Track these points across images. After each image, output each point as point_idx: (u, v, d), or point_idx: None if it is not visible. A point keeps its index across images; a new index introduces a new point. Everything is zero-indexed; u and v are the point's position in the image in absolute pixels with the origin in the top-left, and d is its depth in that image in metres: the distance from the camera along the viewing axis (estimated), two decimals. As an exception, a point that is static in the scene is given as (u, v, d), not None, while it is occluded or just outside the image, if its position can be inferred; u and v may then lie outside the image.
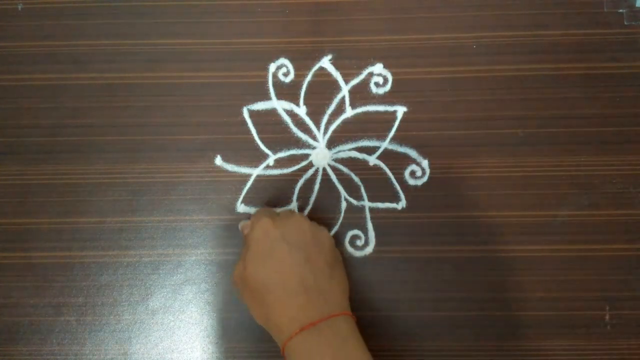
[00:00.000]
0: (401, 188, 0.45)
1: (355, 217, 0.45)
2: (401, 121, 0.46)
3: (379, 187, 0.45)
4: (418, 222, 0.45)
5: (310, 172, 0.46)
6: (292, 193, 0.45)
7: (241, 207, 0.45)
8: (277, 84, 0.47)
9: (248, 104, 0.46)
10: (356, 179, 0.46)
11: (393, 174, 0.45)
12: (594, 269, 0.44)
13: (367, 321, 0.43)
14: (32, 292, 0.45)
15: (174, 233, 0.45)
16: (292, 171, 0.46)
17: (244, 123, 0.46)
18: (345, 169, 0.46)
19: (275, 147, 0.46)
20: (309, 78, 0.47)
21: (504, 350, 0.43)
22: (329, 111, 0.46)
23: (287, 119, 0.46)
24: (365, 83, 0.46)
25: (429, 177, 0.45)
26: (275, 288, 0.37)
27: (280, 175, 0.46)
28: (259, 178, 0.46)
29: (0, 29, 0.48)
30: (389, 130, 0.46)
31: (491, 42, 0.47)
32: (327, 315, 0.36)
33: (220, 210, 0.45)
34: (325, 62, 0.47)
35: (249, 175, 0.46)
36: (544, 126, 0.45)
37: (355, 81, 0.46)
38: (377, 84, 0.46)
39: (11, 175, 0.46)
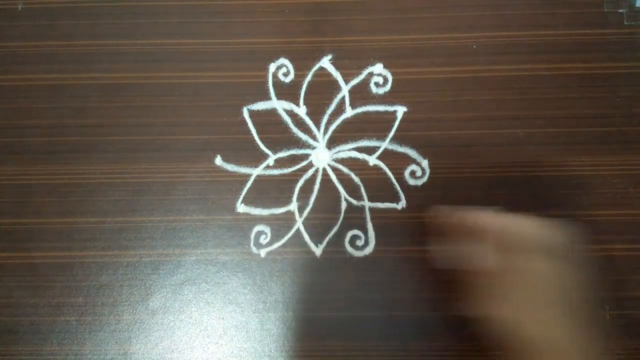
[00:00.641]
0: (401, 188, 0.45)
1: (355, 217, 0.45)
2: (401, 121, 0.46)
3: (378, 187, 0.45)
4: (418, 222, 0.45)
5: (310, 172, 0.46)
6: (292, 193, 0.45)
7: (241, 207, 0.45)
8: (277, 84, 0.47)
9: (248, 104, 0.46)
10: (356, 179, 0.46)
11: (393, 174, 0.45)
12: (594, 269, 0.44)
13: (367, 321, 0.43)
14: (32, 292, 0.45)
15: (174, 233, 0.45)
16: (292, 171, 0.46)
17: (244, 123, 0.46)
18: (345, 169, 0.46)
19: (275, 147, 0.46)
20: (309, 78, 0.47)
21: (504, 350, 0.43)
22: (329, 111, 0.46)
23: (287, 119, 0.46)
24: (365, 83, 0.46)
25: (429, 177, 0.45)
26: None
27: (280, 175, 0.46)
28: (259, 178, 0.46)
29: (0, 29, 0.48)
30: (389, 130, 0.46)
31: (491, 42, 0.47)
32: None
33: (220, 210, 0.45)
34: (325, 62, 0.47)
35: (249, 175, 0.46)
36: (544, 126, 0.45)
37: (355, 81, 0.46)
38: (377, 84, 0.46)
39: (11, 175, 0.46)
